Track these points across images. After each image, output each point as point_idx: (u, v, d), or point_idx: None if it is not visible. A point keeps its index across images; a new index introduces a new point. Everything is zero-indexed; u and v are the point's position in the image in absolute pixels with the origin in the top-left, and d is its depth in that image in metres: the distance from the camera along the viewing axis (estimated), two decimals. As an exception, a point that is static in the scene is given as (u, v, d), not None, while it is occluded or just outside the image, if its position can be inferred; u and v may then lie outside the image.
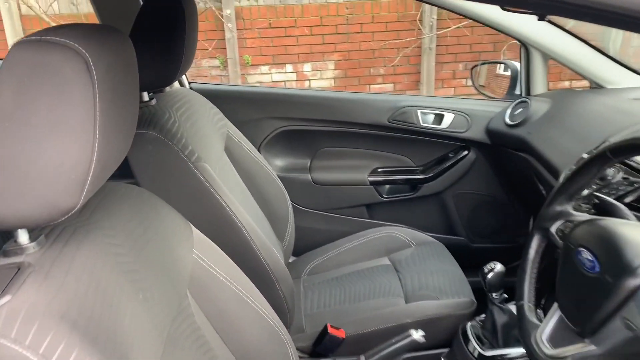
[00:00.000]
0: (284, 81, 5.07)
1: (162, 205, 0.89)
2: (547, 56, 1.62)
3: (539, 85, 1.69)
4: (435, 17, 4.90)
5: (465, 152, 1.76)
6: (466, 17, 1.55)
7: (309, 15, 4.87)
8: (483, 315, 1.26)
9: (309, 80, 5.09)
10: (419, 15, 4.89)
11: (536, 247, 0.94)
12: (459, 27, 4.80)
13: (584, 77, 1.65)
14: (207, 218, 1.15)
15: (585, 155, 1.20)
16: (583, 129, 1.36)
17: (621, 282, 0.70)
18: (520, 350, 1.13)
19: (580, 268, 0.77)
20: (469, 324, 1.23)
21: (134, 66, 0.70)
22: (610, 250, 0.73)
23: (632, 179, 1.03)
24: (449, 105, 1.74)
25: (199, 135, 1.25)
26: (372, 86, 5.14)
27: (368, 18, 4.93)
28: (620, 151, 0.79)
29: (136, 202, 0.83)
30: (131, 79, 0.68)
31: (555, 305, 0.85)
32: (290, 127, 1.79)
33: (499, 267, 1.14)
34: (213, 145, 1.32)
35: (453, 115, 1.73)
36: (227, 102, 1.71)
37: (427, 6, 4.85)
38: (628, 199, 0.96)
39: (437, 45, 5.01)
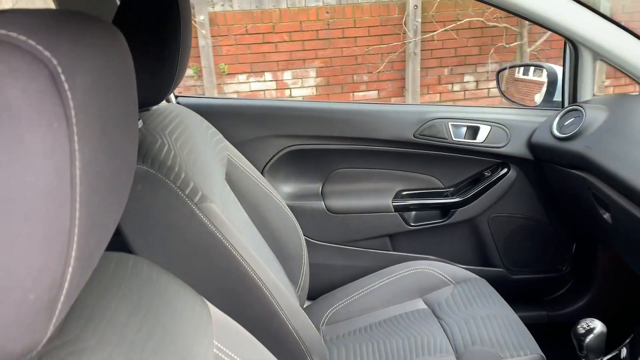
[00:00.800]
0: (263, 90, 4.80)
1: (167, 282, 0.60)
2: (598, 56, 1.39)
3: (588, 90, 1.45)
4: (419, 20, 4.70)
5: (505, 170, 1.51)
6: (513, 13, 1.31)
7: (287, 20, 4.61)
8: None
9: (290, 88, 4.83)
10: (404, 19, 4.67)
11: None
12: (446, 29, 4.61)
13: (636, 80, 1.43)
14: (219, 279, 0.87)
15: None
16: None
17: None
18: None
19: None
20: None
21: (130, 77, 0.42)
22: None
23: None
24: (484, 116, 1.49)
25: (199, 165, 0.96)
26: (355, 94, 4.90)
27: (350, 22, 4.70)
28: None
29: (133, 287, 0.54)
30: (128, 99, 0.40)
31: None
32: (299, 146, 1.51)
33: (599, 327, 0.89)
34: (215, 175, 1.04)
35: (489, 128, 1.48)
36: (223, 118, 1.43)
37: (410, 9, 4.65)
38: None
39: (421, 50, 4.81)
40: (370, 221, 1.53)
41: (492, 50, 4.82)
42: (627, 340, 1.05)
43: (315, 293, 1.45)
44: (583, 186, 1.34)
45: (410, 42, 4.70)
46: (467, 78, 5.03)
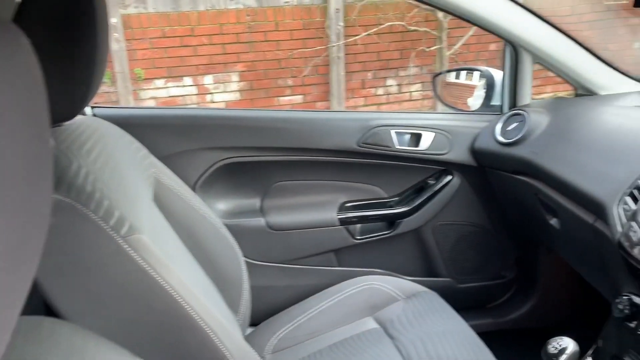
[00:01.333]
0: (183, 95, 4.58)
1: (96, 350, 0.47)
2: (536, 59, 1.38)
3: (527, 94, 1.44)
4: (342, 24, 4.68)
5: (449, 178, 1.47)
6: (456, 15, 1.26)
7: (206, 22, 4.44)
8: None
9: (211, 93, 4.64)
10: (326, 23, 4.63)
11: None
12: (369, 33, 4.62)
13: (570, 83, 1.43)
14: (156, 326, 0.74)
15: None
16: (606, 145, 1.12)
17: None
18: None
19: None
20: None
21: (38, 90, 0.29)
22: None
23: None
24: (425, 123, 1.44)
25: (123, 188, 0.82)
26: (280, 98, 4.80)
27: (271, 26, 4.60)
28: None
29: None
30: (37, 120, 0.28)
31: None
32: (233, 158, 1.38)
33: (571, 346, 0.84)
34: (142, 199, 0.90)
35: (433, 134, 1.43)
36: (147, 130, 1.28)
37: (332, 13, 4.62)
38: None
39: (345, 54, 4.79)
40: (314, 236, 1.44)
41: (414, 54, 4.88)
42: (590, 352, 1.02)
43: (258, 318, 1.33)
44: (529, 192, 1.32)
45: (333, 46, 4.66)
46: (389, 82, 5.07)
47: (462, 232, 1.54)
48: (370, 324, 1.26)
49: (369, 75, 4.98)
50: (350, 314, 1.28)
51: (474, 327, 1.22)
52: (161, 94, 4.54)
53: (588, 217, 1.09)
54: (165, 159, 1.18)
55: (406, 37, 4.89)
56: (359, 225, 1.48)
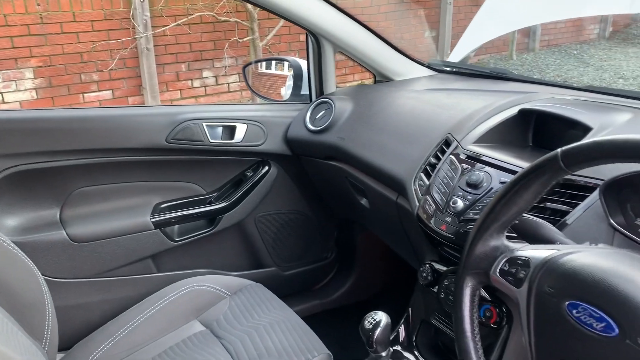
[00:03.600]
0: (-36, 98, 3.96)
1: None
2: (337, 48, 1.44)
3: (331, 82, 1.50)
4: (148, 14, 4.43)
5: (266, 168, 1.47)
6: (257, 5, 1.25)
7: (-17, 13, 3.88)
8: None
9: (1, 93, 4.07)
10: (131, 13, 4.35)
11: (470, 299, 0.70)
12: (178, 24, 4.45)
13: (370, 70, 1.53)
14: None
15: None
16: (402, 127, 1.21)
17: None
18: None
19: (581, 328, 0.56)
20: None
21: None
22: (628, 305, 0.53)
23: None
24: (238, 114, 1.42)
25: None
26: (86, 95, 4.40)
27: (68, 16, 4.18)
28: (578, 160, 0.60)
29: None
30: None
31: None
32: (22, 166, 1.21)
33: (384, 319, 0.89)
34: None
35: (246, 126, 1.41)
36: None
37: (137, 3, 4.35)
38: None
39: (155, 46, 4.56)
40: (126, 244, 1.33)
41: (227, 45, 4.84)
42: (402, 321, 1.10)
43: (70, 341, 1.20)
44: (340, 175, 1.38)
45: (141, 37, 4.41)
46: (205, 73, 4.96)
47: (284, 220, 1.56)
48: (197, 326, 1.21)
49: (183, 67, 4.82)
50: (174, 320, 1.21)
51: (301, 312, 1.25)
52: None
53: (391, 195, 1.17)
54: None
55: (218, 27, 4.82)
56: (177, 227, 1.41)
